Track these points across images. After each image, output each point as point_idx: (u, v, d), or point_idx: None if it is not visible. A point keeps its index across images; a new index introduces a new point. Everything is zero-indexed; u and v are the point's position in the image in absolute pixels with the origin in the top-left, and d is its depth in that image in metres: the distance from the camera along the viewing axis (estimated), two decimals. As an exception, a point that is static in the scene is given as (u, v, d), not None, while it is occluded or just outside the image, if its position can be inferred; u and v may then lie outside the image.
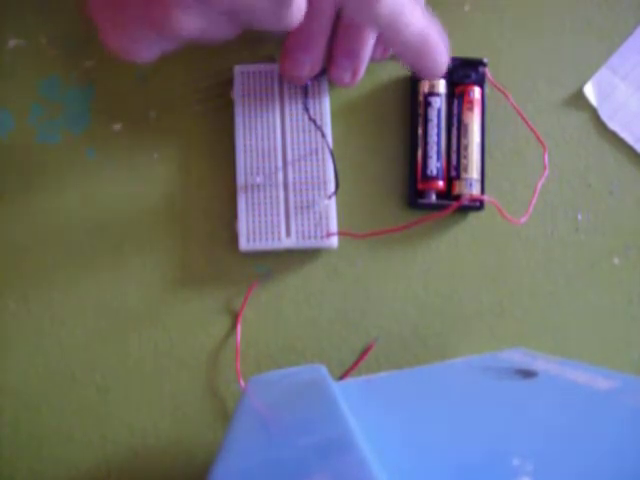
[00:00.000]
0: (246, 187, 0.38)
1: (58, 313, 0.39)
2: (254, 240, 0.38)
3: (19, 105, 0.40)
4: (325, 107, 0.40)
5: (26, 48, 0.41)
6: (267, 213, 0.38)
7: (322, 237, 0.38)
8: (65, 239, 0.39)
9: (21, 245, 0.39)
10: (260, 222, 0.38)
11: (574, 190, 0.42)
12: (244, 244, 0.38)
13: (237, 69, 0.40)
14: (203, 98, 0.41)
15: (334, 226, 0.39)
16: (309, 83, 0.39)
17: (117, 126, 0.41)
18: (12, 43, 0.41)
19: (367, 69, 0.40)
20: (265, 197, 0.38)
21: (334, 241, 0.39)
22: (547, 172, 0.39)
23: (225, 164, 0.40)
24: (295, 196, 0.39)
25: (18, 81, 0.41)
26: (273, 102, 0.39)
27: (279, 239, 0.38)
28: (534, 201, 0.38)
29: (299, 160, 0.39)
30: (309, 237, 0.38)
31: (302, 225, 0.38)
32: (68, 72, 0.41)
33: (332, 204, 0.39)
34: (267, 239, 0.38)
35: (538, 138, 0.39)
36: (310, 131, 0.39)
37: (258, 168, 0.39)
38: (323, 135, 0.38)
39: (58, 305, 0.39)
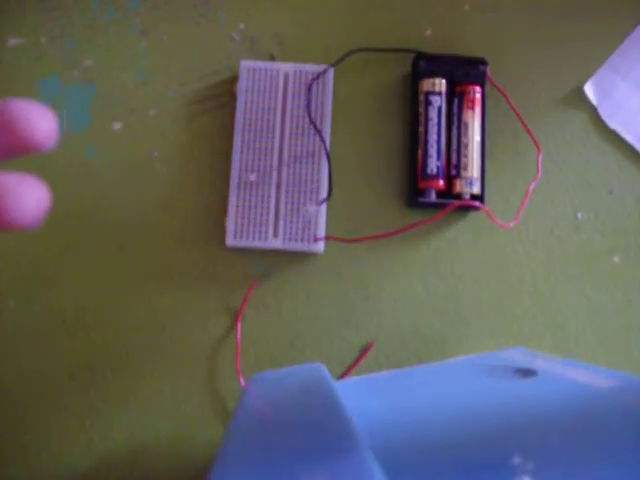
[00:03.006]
0: (239, 184, 0.39)
1: (58, 313, 0.39)
2: (241, 237, 0.38)
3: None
4: (327, 108, 0.39)
5: (26, 47, 0.41)
6: (257, 212, 0.38)
7: (309, 241, 0.38)
8: (65, 239, 0.39)
9: (21, 245, 0.39)
10: (249, 220, 0.38)
11: (574, 189, 0.42)
12: (230, 240, 0.38)
13: (243, 64, 0.40)
14: (202, 97, 0.41)
15: (322, 231, 0.39)
16: (314, 83, 0.39)
17: (117, 125, 0.41)
18: (12, 42, 0.41)
19: (368, 66, 0.40)
20: (257, 196, 0.39)
21: (320, 246, 0.39)
22: (540, 175, 0.39)
23: (225, 162, 0.40)
24: (287, 198, 0.39)
25: (18, 80, 0.41)
26: (275, 100, 0.39)
27: (266, 239, 0.38)
28: (524, 206, 0.38)
29: (295, 161, 0.39)
30: (296, 240, 0.38)
31: (290, 227, 0.38)
32: (68, 71, 0.41)
33: (322, 210, 0.39)
34: (254, 238, 0.38)
35: (533, 140, 0.39)
36: (309, 133, 0.39)
37: (253, 166, 0.39)
38: (322, 139, 0.38)
39: (58, 305, 0.39)
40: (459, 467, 0.19)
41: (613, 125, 0.42)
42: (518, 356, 0.35)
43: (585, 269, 0.41)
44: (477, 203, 0.36)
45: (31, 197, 0.17)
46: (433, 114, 0.39)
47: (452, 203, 0.35)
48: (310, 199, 0.39)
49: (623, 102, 0.42)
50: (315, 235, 0.38)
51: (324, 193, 0.39)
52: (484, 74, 0.40)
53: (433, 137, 0.39)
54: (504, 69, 0.42)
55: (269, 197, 0.39)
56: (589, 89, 0.42)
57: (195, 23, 0.42)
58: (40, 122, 0.17)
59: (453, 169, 0.40)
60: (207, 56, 0.41)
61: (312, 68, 0.40)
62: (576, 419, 0.23)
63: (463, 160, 0.39)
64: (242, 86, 0.39)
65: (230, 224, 0.38)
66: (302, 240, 0.38)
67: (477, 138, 0.39)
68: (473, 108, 0.40)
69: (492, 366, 0.33)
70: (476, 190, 0.39)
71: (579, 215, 0.42)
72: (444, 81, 0.40)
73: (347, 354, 0.40)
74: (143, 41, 0.41)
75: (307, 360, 0.39)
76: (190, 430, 0.38)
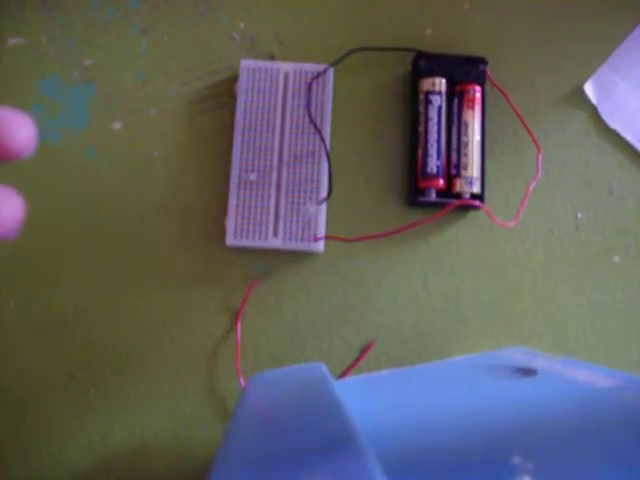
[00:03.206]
0: (239, 184, 0.39)
1: (58, 313, 0.39)
2: (241, 237, 0.38)
3: (19, 104, 0.40)
4: (327, 108, 0.39)
5: (26, 47, 0.41)
6: (257, 212, 0.38)
7: (310, 240, 0.38)
8: (65, 239, 0.39)
9: (21, 245, 0.39)
10: (249, 220, 0.38)
11: (574, 189, 0.42)
12: (230, 239, 0.38)
13: (243, 64, 0.40)
14: (202, 97, 0.41)
15: (322, 231, 0.39)
16: (314, 83, 0.39)
17: (117, 124, 0.41)
18: (12, 42, 0.41)
19: (368, 66, 0.40)
20: (257, 196, 0.39)
21: (320, 246, 0.39)
22: (540, 175, 0.39)
23: (225, 162, 0.40)
24: (287, 197, 0.39)
25: (18, 80, 0.41)
26: (275, 100, 0.39)
27: (266, 238, 0.38)
28: (524, 205, 0.38)
29: (295, 161, 0.39)
30: (296, 239, 0.38)
31: (290, 227, 0.38)
32: (68, 71, 0.41)
33: (322, 209, 0.39)
34: (254, 237, 0.38)
35: (533, 139, 0.39)
36: (309, 132, 0.39)
37: (253, 166, 0.39)
38: (322, 139, 0.38)
39: (58, 305, 0.39)
40: (459, 466, 0.19)
41: (613, 125, 0.42)
42: (518, 355, 0.35)
43: (585, 269, 0.41)
44: (477, 202, 0.36)
45: (5, 209, 0.16)
46: (433, 113, 0.39)
47: (452, 202, 0.35)
48: (310, 199, 0.39)
49: (623, 102, 0.42)
50: (315, 235, 0.38)
51: (324, 193, 0.39)
52: (484, 73, 0.40)
53: (433, 136, 0.39)
54: (504, 68, 0.42)
55: (269, 197, 0.39)
56: (589, 89, 0.42)
57: (195, 23, 0.42)
58: (20, 130, 0.17)
59: (453, 168, 0.40)
60: (207, 56, 0.41)
61: (312, 68, 0.40)
62: (576, 419, 0.23)
63: (463, 159, 0.39)
64: (242, 86, 0.39)
65: (230, 224, 0.38)
66: (302, 240, 0.38)
67: (477, 137, 0.39)
68: (473, 107, 0.40)
69: (492, 365, 0.33)
70: (476, 189, 0.39)
71: (579, 215, 0.42)
72: (444, 80, 0.40)
73: (347, 354, 0.40)
74: (143, 41, 0.41)
75: (307, 360, 0.39)
76: (190, 430, 0.38)
